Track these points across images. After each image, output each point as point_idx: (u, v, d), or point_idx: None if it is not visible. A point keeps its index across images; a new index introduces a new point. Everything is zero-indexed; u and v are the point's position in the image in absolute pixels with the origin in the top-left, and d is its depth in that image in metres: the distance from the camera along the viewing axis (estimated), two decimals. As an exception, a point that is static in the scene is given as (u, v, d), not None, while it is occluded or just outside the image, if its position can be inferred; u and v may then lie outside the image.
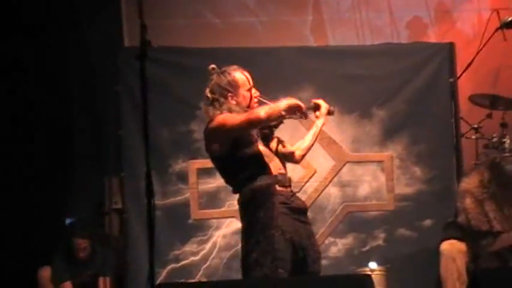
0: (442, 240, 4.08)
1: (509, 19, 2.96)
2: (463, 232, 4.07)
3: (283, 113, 3.19)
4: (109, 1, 5.54)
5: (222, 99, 3.32)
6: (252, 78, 3.41)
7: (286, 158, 3.46)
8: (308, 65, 4.82)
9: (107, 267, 4.77)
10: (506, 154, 4.36)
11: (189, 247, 4.54)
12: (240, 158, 3.25)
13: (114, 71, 4.74)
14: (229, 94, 3.33)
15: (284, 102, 3.21)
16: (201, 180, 4.57)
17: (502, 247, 3.99)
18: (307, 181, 4.64)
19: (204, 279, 4.41)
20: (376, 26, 6.00)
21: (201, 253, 4.54)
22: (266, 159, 3.30)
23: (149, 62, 2.78)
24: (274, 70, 4.73)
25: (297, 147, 3.52)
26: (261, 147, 3.35)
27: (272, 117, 3.21)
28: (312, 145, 3.56)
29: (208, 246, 4.55)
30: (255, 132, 3.34)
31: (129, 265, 4.48)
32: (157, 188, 4.24)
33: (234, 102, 3.32)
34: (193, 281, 4.41)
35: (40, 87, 5.29)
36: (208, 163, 4.55)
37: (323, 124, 3.54)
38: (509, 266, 3.92)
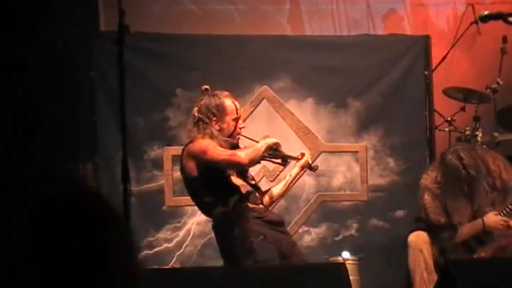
0: (410, 232, 4.12)
1: (485, 13, 2.98)
2: (428, 227, 4.12)
3: (264, 154, 3.25)
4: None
5: (206, 121, 3.34)
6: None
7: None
8: (285, 54, 4.82)
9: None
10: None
11: (163, 234, 4.53)
12: (212, 181, 3.29)
13: (89, 56, 4.69)
14: (214, 118, 3.35)
15: (263, 145, 3.23)
16: (176, 167, 4.51)
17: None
18: (282, 170, 4.66)
19: (177, 266, 4.40)
20: (353, 17, 6.02)
21: (175, 240, 4.53)
22: (236, 179, 3.34)
23: (125, 48, 2.75)
24: (251, 59, 4.73)
25: (268, 193, 3.54)
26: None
27: (253, 162, 3.29)
28: (283, 195, 3.64)
29: (182, 233, 4.54)
30: None
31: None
32: (132, 175, 4.19)
33: (217, 128, 3.35)
34: (166, 267, 4.40)
35: (12, 71, 5.20)
36: (183, 150, 4.60)
37: (297, 174, 3.59)
38: (478, 256, 3.98)
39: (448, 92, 5.20)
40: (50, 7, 5.27)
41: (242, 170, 3.42)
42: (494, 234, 4.01)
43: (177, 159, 4.54)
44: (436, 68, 5.15)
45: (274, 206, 3.89)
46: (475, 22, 5.36)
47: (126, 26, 2.77)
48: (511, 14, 2.93)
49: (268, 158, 3.44)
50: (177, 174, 4.56)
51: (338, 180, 4.74)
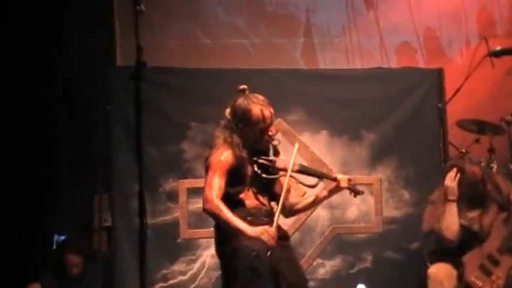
0: (431, 264, 4.10)
1: (498, 49, 3.02)
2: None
3: (243, 233, 3.14)
4: (102, 19, 5.58)
5: (233, 127, 3.31)
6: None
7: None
8: (298, 87, 4.86)
9: (96, 285, 4.75)
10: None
11: (177, 266, 4.54)
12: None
13: (105, 89, 4.77)
14: (240, 125, 3.30)
15: (248, 230, 3.14)
16: (191, 200, 4.58)
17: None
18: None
19: (192, 299, 4.41)
20: (366, 50, 6.08)
21: (190, 273, 4.54)
22: (244, 194, 3.29)
23: (141, 82, 2.80)
24: (264, 92, 4.72)
25: (291, 203, 3.49)
26: (253, 184, 3.33)
27: (213, 217, 3.21)
28: (303, 211, 3.60)
29: (196, 265, 4.55)
30: (248, 173, 3.31)
31: (117, 283, 4.46)
32: (147, 207, 4.11)
33: (240, 134, 3.29)
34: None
35: (30, 102, 5.30)
36: (198, 183, 4.61)
37: (325, 197, 3.51)
38: (497, 278, 3.98)
39: (462, 124, 5.20)
40: (67, 42, 5.39)
41: (259, 188, 3.34)
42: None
43: (192, 192, 4.60)
44: (450, 100, 5.17)
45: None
46: (489, 55, 5.39)
47: (143, 62, 2.82)
48: (524, 50, 2.96)
49: (299, 179, 3.37)
50: (192, 206, 4.59)
51: (352, 212, 4.74)
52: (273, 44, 5.89)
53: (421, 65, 5.94)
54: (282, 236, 3.33)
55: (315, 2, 6.01)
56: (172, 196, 4.59)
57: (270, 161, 3.35)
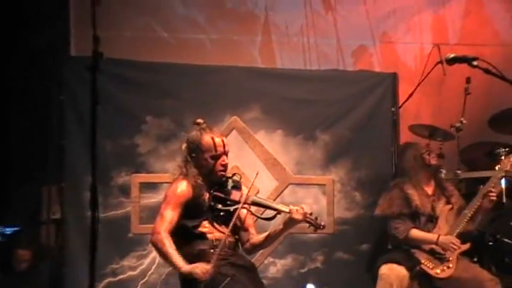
0: (382, 263, 4.16)
1: (451, 56, 3.08)
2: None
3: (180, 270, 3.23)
4: (57, 9, 5.46)
5: (187, 156, 3.39)
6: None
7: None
8: (256, 85, 4.85)
9: (43, 280, 4.64)
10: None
11: (127, 261, 4.48)
12: (180, 224, 3.33)
13: (59, 79, 4.66)
14: (193, 155, 3.38)
15: (187, 269, 3.20)
16: (143, 195, 4.53)
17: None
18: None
19: (141, 295, 4.36)
20: (323, 51, 6.12)
21: (140, 268, 4.48)
22: (203, 228, 3.34)
23: (97, 73, 2.75)
24: (222, 89, 4.75)
25: (250, 240, 3.51)
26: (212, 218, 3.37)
27: (164, 260, 3.29)
28: (264, 247, 3.59)
29: (147, 261, 4.50)
30: (205, 203, 3.36)
31: (65, 278, 4.38)
32: (99, 201, 4.15)
33: (193, 164, 3.36)
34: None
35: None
36: (151, 177, 4.57)
37: (283, 231, 3.48)
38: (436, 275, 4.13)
39: (414, 129, 5.29)
40: (20, 31, 5.25)
41: (221, 221, 3.39)
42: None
43: (145, 186, 4.55)
44: (402, 104, 5.26)
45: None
46: (441, 62, 5.50)
47: (100, 53, 2.77)
48: (475, 58, 3.04)
49: (252, 211, 3.41)
50: (144, 201, 4.54)
51: (305, 212, 4.76)
52: (231, 40, 5.87)
53: (377, 69, 6.02)
54: (250, 267, 3.38)
55: (274, 0, 6.03)
56: (125, 190, 4.53)
57: (225, 192, 3.39)
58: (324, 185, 4.77)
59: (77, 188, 4.38)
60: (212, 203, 3.36)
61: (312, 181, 4.79)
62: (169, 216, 3.31)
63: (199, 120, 3.46)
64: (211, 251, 3.27)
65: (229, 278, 3.15)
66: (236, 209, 3.32)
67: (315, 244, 4.72)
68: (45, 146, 5.07)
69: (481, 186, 4.32)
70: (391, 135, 4.96)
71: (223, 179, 3.43)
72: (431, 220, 4.31)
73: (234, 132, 4.70)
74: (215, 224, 3.38)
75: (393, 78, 5.06)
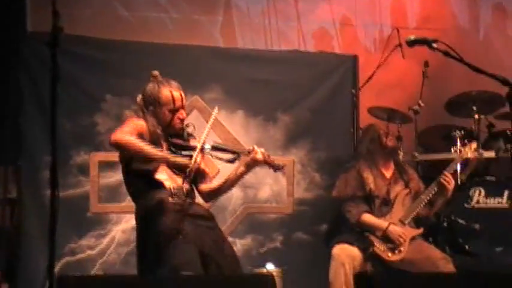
0: (335, 244, 4.23)
1: (412, 38, 3.12)
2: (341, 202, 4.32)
3: (151, 157, 3.16)
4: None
5: (144, 109, 3.32)
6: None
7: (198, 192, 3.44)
8: (217, 66, 4.85)
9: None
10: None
11: (86, 241, 4.44)
12: (134, 171, 3.27)
13: (16, 56, 4.56)
14: (151, 107, 3.32)
15: (159, 154, 3.17)
16: (102, 174, 4.49)
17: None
18: (211, 180, 4.66)
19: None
20: (284, 33, 6.13)
21: (98, 247, 4.45)
22: (161, 175, 3.28)
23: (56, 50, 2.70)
24: (183, 68, 4.71)
25: (207, 187, 3.46)
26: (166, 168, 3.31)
27: (134, 153, 3.17)
28: (223, 191, 3.51)
29: (106, 240, 4.47)
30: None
31: (21, 257, 4.32)
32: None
33: (152, 118, 3.30)
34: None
35: None
36: (110, 156, 4.51)
37: (243, 175, 3.43)
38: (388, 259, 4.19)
39: (372, 111, 5.36)
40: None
41: (177, 170, 3.33)
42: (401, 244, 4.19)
43: (104, 166, 4.51)
44: (362, 87, 5.31)
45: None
46: (400, 45, 5.57)
47: (60, 28, 2.72)
48: (435, 41, 3.08)
49: (215, 155, 3.35)
50: (103, 180, 4.50)
51: (265, 192, 4.80)
52: (192, 20, 5.82)
53: (337, 51, 6.06)
54: (206, 216, 3.34)
55: (236, -19, 6.00)
56: (84, 169, 4.48)
57: (183, 140, 3.37)
58: (284, 165, 4.78)
59: (34, 167, 4.31)
60: (173, 149, 3.30)
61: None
62: (129, 129, 3.22)
63: (155, 73, 3.39)
64: (170, 199, 3.22)
65: (180, 237, 3.11)
66: (197, 153, 3.27)
67: (275, 224, 4.76)
68: (1, 124, 4.96)
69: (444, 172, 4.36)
70: (351, 117, 5.02)
71: (180, 132, 3.38)
72: (386, 204, 4.33)
73: (194, 111, 4.68)
74: (176, 175, 3.32)
75: (353, 60, 5.11)
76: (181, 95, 3.38)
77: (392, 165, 4.48)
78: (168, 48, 4.81)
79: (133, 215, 4.45)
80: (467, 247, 4.81)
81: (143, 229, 3.26)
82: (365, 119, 5.26)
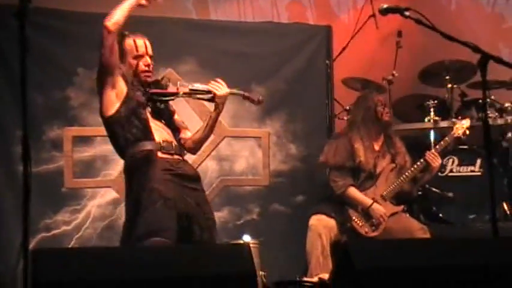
0: (312, 214, 4.24)
1: (385, 6, 3.13)
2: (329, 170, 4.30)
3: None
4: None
5: (117, 65, 3.30)
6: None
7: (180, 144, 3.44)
8: (191, 38, 4.80)
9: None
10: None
11: (61, 216, 4.40)
12: (124, 119, 3.23)
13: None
14: (120, 63, 3.32)
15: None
16: (77, 149, 4.44)
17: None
18: (185, 154, 4.64)
19: (76, 249, 4.30)
20: (258, 4, 6.09)
21: (74, 223, 4.41)
22: (151, 126, 3.28)
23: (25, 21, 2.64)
24: (156, 41, 4.60)
25: (189, 137, 3.47)
26: (149, 115, 3.32)
27: (117, 17, 3.23)
28: (205, 137, 3.51)
29: (81, 215, 4.44)
30: (142, 99, 3.30)
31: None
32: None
33: (123, 68, 3.31)
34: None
35: None
36: (84, 131, 4.48)
37: (218, 114, 3.44)
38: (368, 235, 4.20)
39: (346, 82, 5.38)
40: None
41: (159, 114, 3.36)
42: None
43: (78, 140, 4.46)
44: (336, 58, 5.31)
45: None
46: (373, 16, 5.57)
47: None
48: (407, 9, 3.09)
49: (195, 97, 3.43)
50: (78, 155, 4.46)
51: (241, 165, 4.80)
52: (164, -8, 5.73)
53: (311, 22, 6.03)
54: (193, 176, 3.34)
55: (209, -48, 5.91)
56: (57, 144, 4.42)
57: (161, 89, 3.41)
58: (260, 137, 4.80)
59: (6, 142, 4.25)
60: (154, 97, 3.33)
61: (247, 134, 4.81)
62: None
63: (124, 32, 3.39)
64: (159, 153, 3.22)
65: (162, 201, 3.11)
66: (177, 97, 3.35)
67: (251, 196, 4.77)
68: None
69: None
70: (325, 88, 5.01)
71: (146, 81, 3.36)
72: (371, 177, 4.28)
73: (169, 84, 4.63)
74: (161, 128, 3.33)
75: (327, 31, 5.09)
76: (144, 43, 3.40)
77: (382, 137, 4.38)
78: (141, 21, 4.69)
79: (108, 190, 4.49)
80: (441, 215, 4.88)
81: (127, 182, 3.23)
82: (339, 90, 5.28)
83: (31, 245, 4.23)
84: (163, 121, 3.40)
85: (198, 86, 3.49)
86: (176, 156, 3.30)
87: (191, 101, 4.66)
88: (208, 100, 3.45)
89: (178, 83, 3.50)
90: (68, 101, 4.48)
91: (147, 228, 3.08)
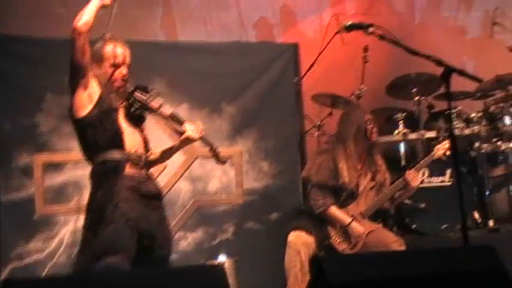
0: (292, 230, 4.22)
1: (349, 23, 3.18)
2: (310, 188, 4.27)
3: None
4: None
5: (89, 67, 3.28)
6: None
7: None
8: (158, 59, 4.80)
9: None
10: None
11: (33, 245, 4.34)
12: (96, 122, 3.22)
13: None
14: (94, 63, 3.29)
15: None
16: (47, 175, 4.40)
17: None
18: (158, 176, 4.62)
19: (50, 277, 4.24)
20: (225, 24, 6.12)
21: (47, 250, 4.36)
22: (123, 131, 3.27)
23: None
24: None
25: (150, 153, 3.47)
26: (123, 121, 3.30)
27: (86, 18, 3.23)
28: (159, 162, 3.53)
29: (54, 242, 4.38)
30: (115, 103, 3.28)
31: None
32: None
33: (96, 73, 3.28)
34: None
35: None
36: (54, 157, 4.44)
37: (178, 149, 3.50)
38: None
39: (316, 98, 5.42)
40: None
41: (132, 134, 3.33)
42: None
43: (48, 166, 4.42)
44: (305, 75, 5.35)
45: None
46: (339, 32, 5.63)
47: (-6, 27, 2.65)
48: (371, 25, 3.15)
49: (170, 124, 3.42)
50: (48, 181, 4.42)
51: (214, 184, 4.79)
52: (131, 15, 5.74)
53: (278, 40, 6.09)
54: (155, 195, 3.34)
55: (174, -27, 5.95)
56: (27, 171, 4.38)
57: (148, 95, 3.39)
58: (232, 156, 4.80)
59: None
60: (131, 100, 3.34)
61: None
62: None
63: (107, 34, 3.38)
64: (127, 166, 3.21)
65: (124, 220, 3.10)
66: (153, 113, 3.34)
67: (225, 216, 4.76)
68: None
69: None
70: (294, 105, 5.05)
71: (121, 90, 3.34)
72: (353, 196, 4.24)
73: (155, 98, 4.63)
74: (131, 137, 3.31)
75: (294, 48, 5.14)
76: (124, 52, 3.38)
77: (364, 156, 4.32)
78: (108, 44, 4.72)
79: (81, 216, 4.44)
80: (414, 226, 4.92)
81: (93, 187, 3.22)
82: (309, 106, 5.32)
83: (3, 275, 4.21)
84: (137, 127, 3.39)
85: (179, 116, 3.51)
86: (143, 171, 3.30)
87: (163, 122, 4.67)
88: (178, 133, 3.44)
89: (162, 102, 3.48)
90: (37, 127, 4.45)
91: (106, 245, 3.07)
